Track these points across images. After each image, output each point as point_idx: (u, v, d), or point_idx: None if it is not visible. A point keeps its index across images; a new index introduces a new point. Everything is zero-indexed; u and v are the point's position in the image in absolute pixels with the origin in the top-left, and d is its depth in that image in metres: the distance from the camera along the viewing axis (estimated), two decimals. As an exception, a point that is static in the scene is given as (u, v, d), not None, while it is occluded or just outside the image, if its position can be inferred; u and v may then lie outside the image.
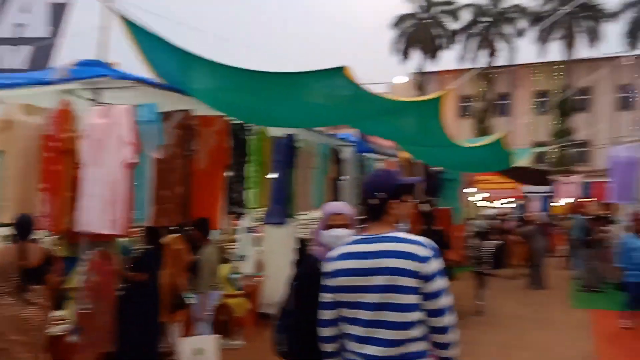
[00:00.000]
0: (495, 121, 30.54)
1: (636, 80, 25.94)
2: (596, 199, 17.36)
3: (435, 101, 5.33)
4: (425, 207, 12.24)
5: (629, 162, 10.01)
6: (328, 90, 4.19)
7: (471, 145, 7.94)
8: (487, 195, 21.22)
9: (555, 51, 30.51)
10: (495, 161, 9.41)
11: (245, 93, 4.39)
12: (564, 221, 16.85)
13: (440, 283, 2.10)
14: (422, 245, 2.11)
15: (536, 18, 30.14)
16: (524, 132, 30.41)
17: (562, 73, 30.01)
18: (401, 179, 2.32)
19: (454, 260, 13.45)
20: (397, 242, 2.13)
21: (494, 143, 8.06)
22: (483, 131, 29.46)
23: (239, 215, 5.75)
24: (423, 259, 2.07)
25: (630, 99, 28.67)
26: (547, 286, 11.69)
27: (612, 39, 30.33)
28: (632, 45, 27.93)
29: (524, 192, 22.56)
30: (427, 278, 2.07)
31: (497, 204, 25.49)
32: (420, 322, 2.09)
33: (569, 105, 29.23)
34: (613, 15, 29.36)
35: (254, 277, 7.41)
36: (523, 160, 13.48)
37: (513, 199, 24.33)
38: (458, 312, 7.60)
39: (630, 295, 7.52)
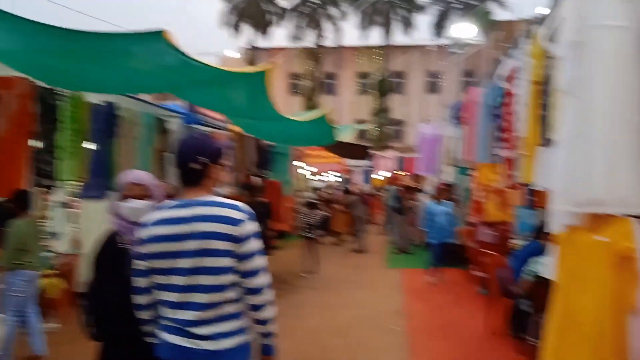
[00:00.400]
0: (323, 99, 32.01)
1: (442, 67, 29.24)
2: (408, 171, 19.31)
3: (261, 74, 5.40)
4: (257, 180, 12.46)
5: (434, 138, 11.33)
6: (148, 55, 3.97)
7: (298, 119, 8.21)
8: (315, 168, 22.34)
9: (375, 36, 32.92)
10: (321, 136, 9.88)
11: (54, 54, 3.94)
12: (381, 192, 18.41)
13: (253, 245, 2.14)
14: (236, 209, 2.13)
15: (358, 3, 32.17)
16: (348, 110, 32.50)
17: (380, 57, 32.50)
18: (219, 142, 2.32)
19: (284, 230, 14.01)
20: (212, 206, 2.12)
21: (319, 119, 8.47)
22: (311, 108, 30.67)
23: (50, 189, 5.21)
24: (237, 222, 2.10)
25: (437, 83, 32.35)
26: (367, 250, 12.78)
27: (423, 29, 33.57)
28: (439, 35, 31.25)
29: (348, 166, 24.24)
30: (240, 240, 2.09)
31: (324, 176, 27.03)
32: (234, 285, 2.12)
33: (386, 87, 31.86)
34: (423, 8, 32.60)
35: (69, 256, 6.81)
36: (346, 136, 14.31)
37: (338, 172, 26.02)
38: (287, 278, 7.92)
39: (432, 255, 8.62)
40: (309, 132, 9.33)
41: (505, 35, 21.07)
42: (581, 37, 3.33)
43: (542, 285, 4.14)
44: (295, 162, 16.16)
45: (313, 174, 24.41)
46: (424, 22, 33.36)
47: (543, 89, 4.36)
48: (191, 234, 2.07)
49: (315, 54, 32.64)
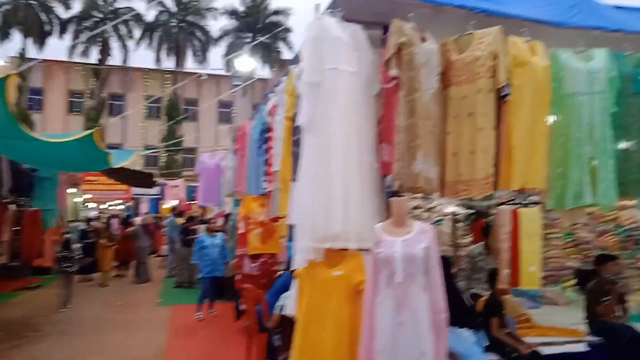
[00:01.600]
0: (108, 121, 29.76)
1: (232, 97, 29.70)
2: (196, 201, 18.83)
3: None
4: (12, 208, 10.75)
5: (215, 169, 11.17)
6: None
7: (51, 140, 7.30)
8: (94, 196, 20.45)
9: (167, 60, 32.14)
10: (92, 161, 8.98)
11: None
12: (164, 221, 17.59)
13: None
14: None
15: (149, 26, 31.12)
16: (136, 134, 30.78)
17: (171, 82, 31.60)
18: None
19: (45, 265, 12.31)
20: None
21: (85, 141, 7.65)
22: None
23: None
24: None
25: (229, 113, 32.73)
26: (149, 282, 12.27)
27: (216, 59, 34.05)
28: (228, 66, 31.61)
29: (133, 195, 22.77)
30: None
31: (106, 205, 24.92)
32: None
33: (177, 113, 30.90)
34: (216, 39, 32.98)
35: None
36: (127, 162, 13.36)
37: (123, 201, 24.22)
38: (33, 322, 6.76)
39: (203, 289, 8.30)
40: (74, 155, 8.35)
41: (281, 72, 22.52)
42: (318, 78, 3.48)
43: (289, 320, 4.16)
44: (68, 189, 14.52)
45: (91, 201, 22.36)
46: (217, 53, 33.89)
47: (295, 125, 4.49)
48: None
49: (99, 71, 30.25)
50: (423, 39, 3.60)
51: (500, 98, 3.62)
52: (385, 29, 3.63)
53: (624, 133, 3.93)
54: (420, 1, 3.62)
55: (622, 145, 3.92)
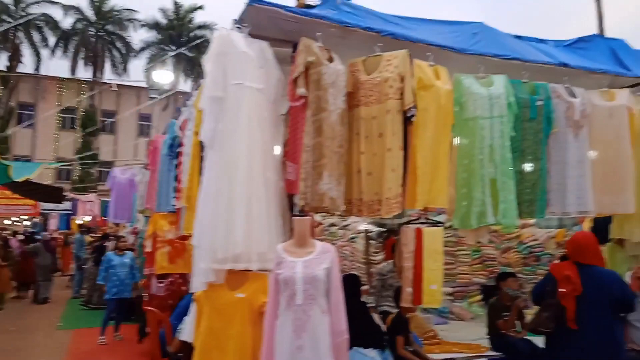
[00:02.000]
0: (16, 131, 27.77)
1: (152, 110, 28.75)
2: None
3: None
4: None
5: (127, 183, 10.69)
6: None
7: None
8: (-3, 212, 18.91)
9: (85, 70, 30.64)
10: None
11: None
12: (71, 238, 16.56)
13: None
14: None
15: (65, 34, 29.59)
16: (48, 146, 28.98)
17: (86, 93, 30.08)
18: None
19: None
20: None
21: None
22: (2, 141, 26.52)
23: None
24: None
25: (149, 126, 31.61)
26: (48, 306, 11.36)
27: (137, 70, 32.83)
28: (149, 78, 30.54)
29: (42, 210, 21.29)
30: None
31: (12, 221, 23.18)
32: None
33: (93, 125, 29.38)
34: (138, 52, 31.93)
35: None
36: (33, 175, 12.45)
37: (30, 216, 22.61)
38: None
39: (107, 311, 7.79)
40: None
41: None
42: (222, 93, 3.37)
43: (190, 346, 3.96)
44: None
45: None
46: (139, 65, 32.74)
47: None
48: None
49: (7, 78, 28.25)
50: (330, 59, 3.60)
51: (407, 119, 3.67)
52: (295, 46, 3.61)
53: (520, 156, 4.10)
54: (329, 21, 3.61)
55: (519, 167, 4.09)
